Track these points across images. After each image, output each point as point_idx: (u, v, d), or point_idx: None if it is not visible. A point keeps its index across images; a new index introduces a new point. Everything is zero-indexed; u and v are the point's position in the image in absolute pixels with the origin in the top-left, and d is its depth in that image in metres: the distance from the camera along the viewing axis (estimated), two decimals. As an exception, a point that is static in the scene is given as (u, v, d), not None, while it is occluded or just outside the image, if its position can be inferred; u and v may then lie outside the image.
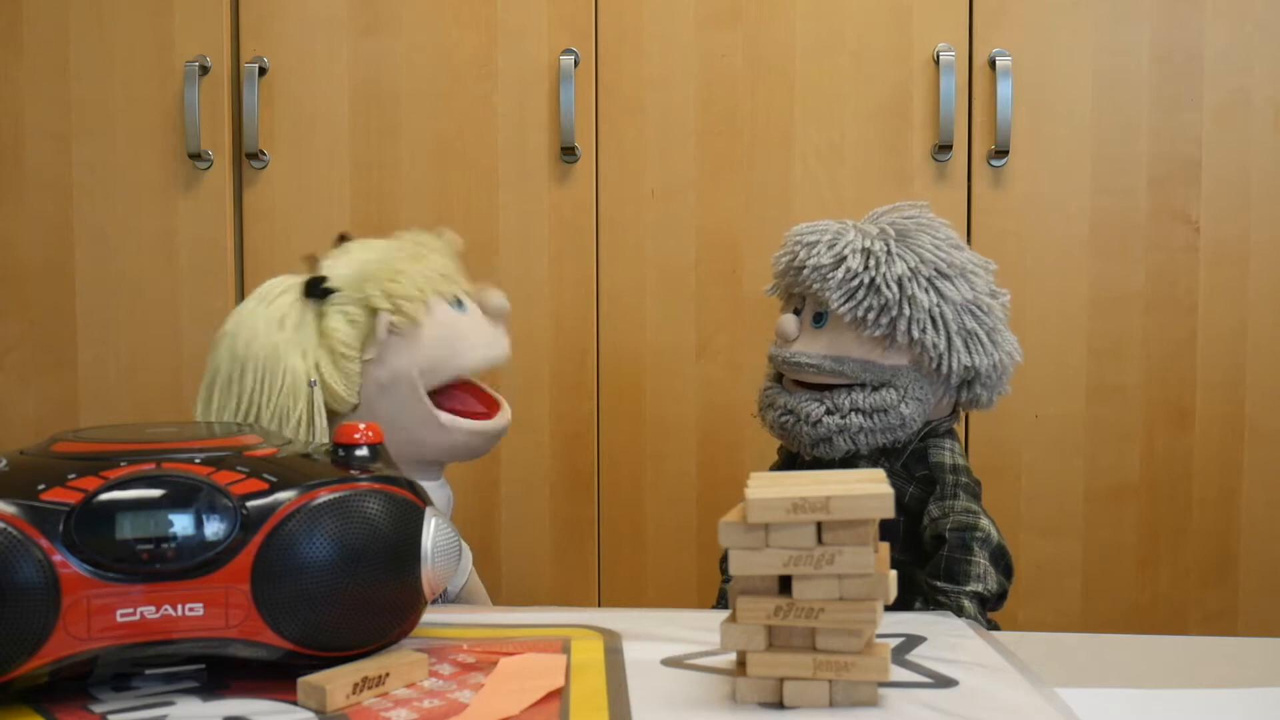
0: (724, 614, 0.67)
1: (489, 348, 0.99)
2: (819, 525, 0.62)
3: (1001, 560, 0.90)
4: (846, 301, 0.92)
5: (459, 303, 0.98)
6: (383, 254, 0.97)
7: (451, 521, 1.06)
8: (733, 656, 0.70)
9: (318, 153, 1.40)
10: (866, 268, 0.92)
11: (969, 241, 1.35)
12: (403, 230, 1.37)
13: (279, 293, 0.94)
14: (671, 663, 0.72)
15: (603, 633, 0.78)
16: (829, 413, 0.92)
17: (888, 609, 0.85)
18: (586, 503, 1.40)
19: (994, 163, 1.35)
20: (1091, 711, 0.64)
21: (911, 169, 1.36)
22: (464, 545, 1.08)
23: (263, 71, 1.39)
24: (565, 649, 0.74)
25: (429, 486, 0.97)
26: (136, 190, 1.41)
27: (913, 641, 0.77)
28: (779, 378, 1.00)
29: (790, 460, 1.04)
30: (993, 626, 0.90)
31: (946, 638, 0.78)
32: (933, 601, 0.89)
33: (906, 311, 0.91)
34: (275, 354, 0.91)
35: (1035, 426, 1.36)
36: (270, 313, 0.93)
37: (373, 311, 0.93)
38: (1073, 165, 1.35)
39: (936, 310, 0.91)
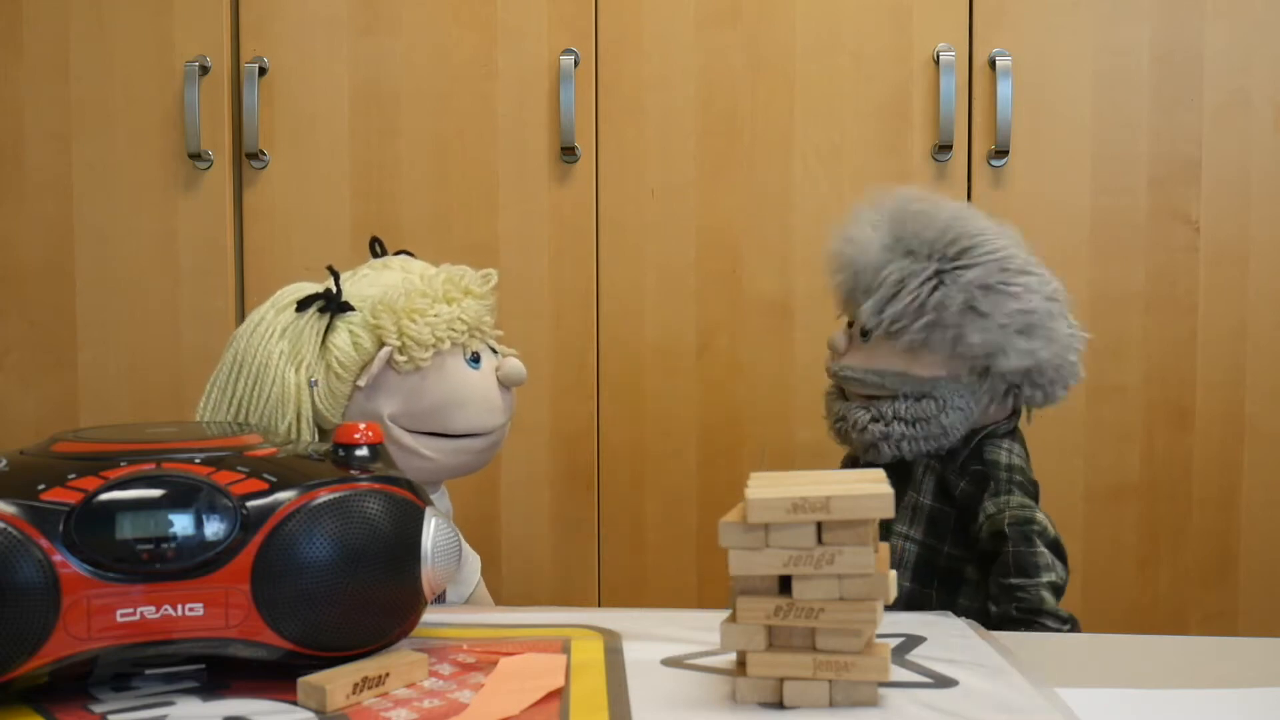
0: (724, 614, 0.67)
1: (484, 415, 0.96)
2: (819, 525, 0.62)
3: (1059, 553, 0.91)
4: (877, 315, 0.95)
5: (475, 358, 0.96)
6: (413, 285, 0.94)
7: (458, 529, 1.06)
8: (733, 656, 0.70)
9: (318, 153, 1.40)
10: (896, 284, 0.94)
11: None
12: (404, 224, 1.38)
13: (289, 301, 0.93)
14: (671, 663, 0.72)
15: (603, 633, 0.78)
16: (873, 420, 0.95)
17: (888, 609, 0.85)
18: (586, 503, 1.40)
19: (994, 163, 1.35)
20: (1091, 711, 0.64)
21: (911, 169, 1.36)
22: (472, 554, 1.07)
23: (263, 71, 1.39)
24: (565, 649, 0.74)
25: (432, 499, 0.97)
26: (136, 190, 1.41)
27: (913, 641, 0.77)
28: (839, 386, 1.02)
29: (853, 464, 1.05)
30: (1070, 619, 0.90)
31: (946, 638, 0.78)
32: (1007, 600, 0.89)
33: (930, 319, 0.92)
34: (269, 363, 0.90)
35: (1035, 426, 1.35)
36: (277, 320, 0.92)
37: (380, 341, 0.91)
38: (1073, 165, 1.35)
39: (969, 320, 0.92)
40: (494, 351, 0.99)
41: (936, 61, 1.34)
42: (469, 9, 1.38)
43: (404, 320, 0.91)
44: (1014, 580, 0.89)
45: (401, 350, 0.91)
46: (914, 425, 0.94)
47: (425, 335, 0.91)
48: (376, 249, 1.03)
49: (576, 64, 1.36)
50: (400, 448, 0.94)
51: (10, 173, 1.41)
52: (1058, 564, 0.90)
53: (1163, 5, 1.34)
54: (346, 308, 0.92)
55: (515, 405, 1.00)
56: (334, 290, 0.93)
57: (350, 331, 0.92)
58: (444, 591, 1.02)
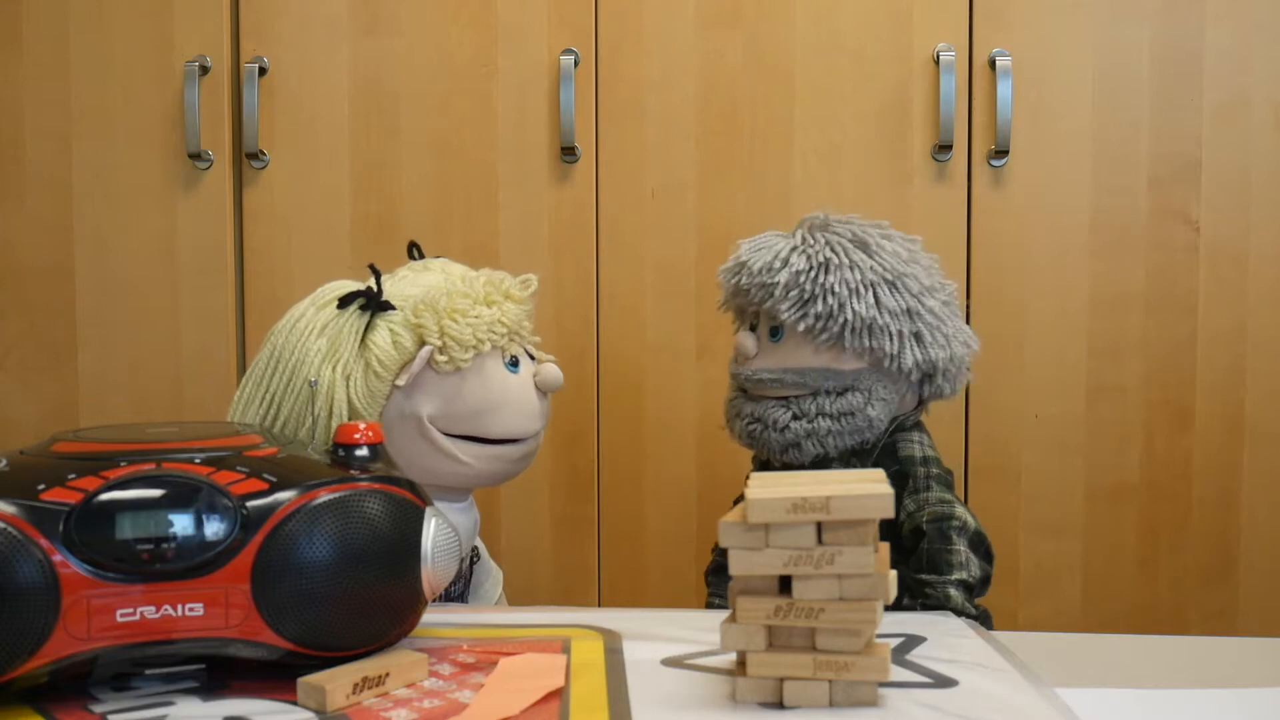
0: (724, 614, 0.67)
1: (522, 420, 0.95)
2: (819, 525, 0.62)
3: (980, 546, 0.91)
4: (795, 312, 0.94)
5: (514, 362, 0.95)
6: (454, 286, 0.93)
7: (483, 543, 1.05)
8: (733, 656, 0.70)
9: (318, 153, 1.40)
10: (809, 279, 0.94)
11: (968, 242, 1.35)
12: (404, 224, 1.38)
13: (329, 298, 0.92)
14: (671, 663, 0.72)
15: (603, 633, 0.78)
16: (795, 418, 0.94)
17: (887, 609, 0.85)
18: (586, 503, 1.40)
19: (994, 163, 1.35)
20: (1091, 711, 0.64)
21: (911, 169, 1.36)
22: (495, 568, 1.07)
23: (263, 71, 1.39)
24: (565, 649, 0.74)
25: (453, 509, 0.96)
26: (136, 190, 1.41)
27: (913, 641, 0.77)
28: (743, 389, 1.01)
29: (764, 470, 1.04)
30: (982, 614, 0.90)
31: (946, 638, 0.78)
32: (918, 595, 0.89)
33: (848, 317, 0.93)
34: (305, 360, 0.89)
35: (1035, 426, 1.36)
36: (317, 318, 0.91)
37: (420, 340, 0.91)
38: (1073, 165, 1.35)
39: (875, 316, 0.93)
40: (531, 357, 0.98)
41: (936, 61, 1.34)
42: (469, 9, 1.38)
43: (445, 320, 0.90)
44: (924, 576, 0.90)
45: (442, 350, 0.90)
46: (840, 420, 0.93)
47: (466, 336, 0.91)
48: (414, 253, 1.02)
49: (576, 64, 1.36)
50: (437, 451, 0.93)
51: (10, 173, 1.41)
52: (972, 561, 0.90)
53: (1163, 5, 1.34)
54: (387, 306, 0.91)
55: (550, 412, 1.00)
56: (375, 288, 0.92)
57: (390, 330, 0.91)
58: (466, 598, 1.01)
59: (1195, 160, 1.34)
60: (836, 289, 0.93)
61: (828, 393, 0.94)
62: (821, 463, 0.96)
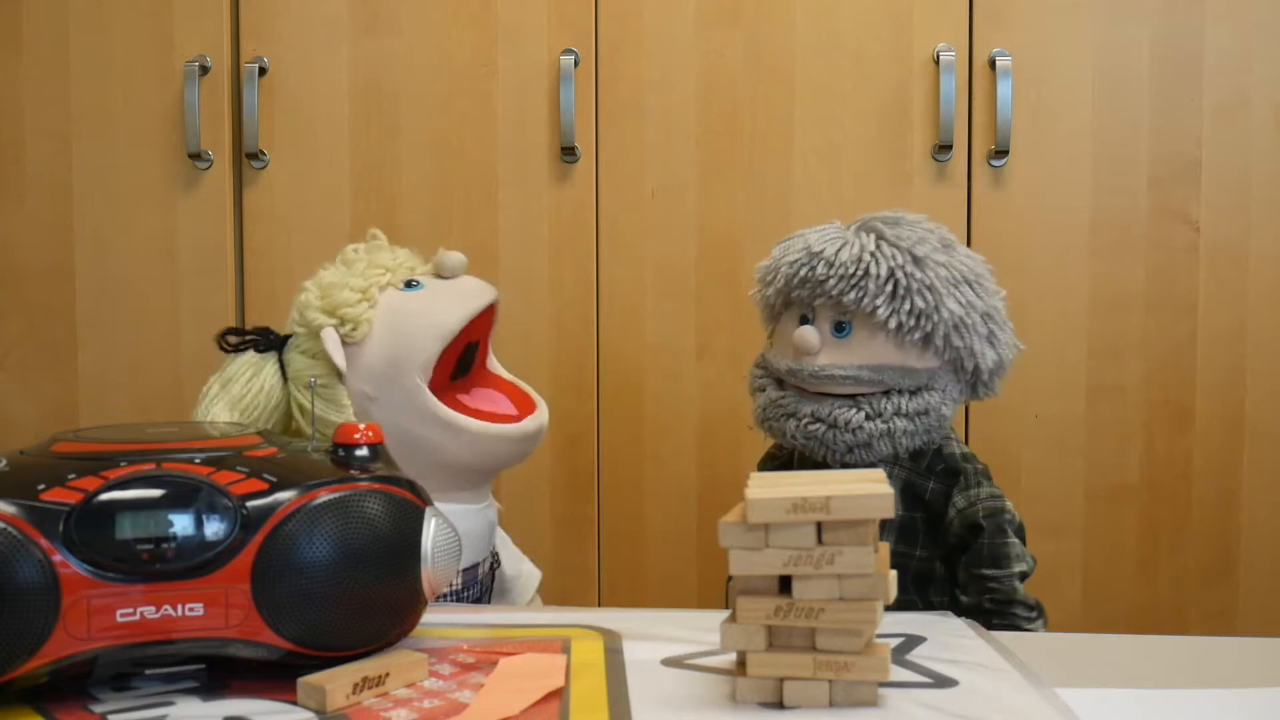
0: (724, 614, 0.67)
1: (461, 304, 0.93)
2: (819, 525, 0.62)
3: (1023, 537, 0.92)
4: (887, 307, 0.90)
5: (412, 284, 0.94)
6: (319, 278, 0.95)
7: (508, 540, 1.04)
8: (733, 656, 0.70)
9: (318, 153, 1.40)
10: (904, 273, 0.90)
11: (969, 242, 1.35)
12: (404, 224, 1.38)
13: (231, 374, 0.95)
14: (671, 663, 0.72)
15: (603, 633, 0.78)
16: (869, 418, 0.91)
17: (890, 608, 0.85)
18: (586, 502, 1.40)
19: (994, 163, 1.35)
20: (1091, 711, 0.64)
21: (911, 169, 1.36)
22: (534, 570, 1.06)
23: (263, 71, 1.39)
24: (565, 649, 0.74)
25: (470, 511, 0.94)
26: (136, 191, 1.41)
27: (913, 641, 0.77)
28: (781, 383, 0.96)
29: (783, 468, 1.04)
30: (1037, 605, 0.91)
31: (946, 638, 0.78)
32: (981, 591, 0.89)
33: (944, 315, 0.90)
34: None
35: (1035, 426, 1.36)
36: (222, 395, 0.93)
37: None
38: (1073, 165, 1.35)
39: (963, 315, 0.91)
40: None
41: (936, 61, 1.34)
42: (469, 9, 1.38)
43: (321, 302, 0.92)
44: (987, 571, 0.90)
45: (341, 324, 0.91)
46: (915, 419, 0.91)
47: (346, 296, 0.91)
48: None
49: (576, 64, 1.36)
50: (432, 420, 0.90)
51: (10, 173, 1.41)
52: (1025, 552, 0.91)
53: (1163, 5, 1.34)
54: (280, 342, 0.94)
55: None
56: (268, 333, 0.95)
57: (299, 351, 0.93)
58: (489, 599, 1.01)
59: (1195, 160, 1.34)
60: (934, 285, 0.90)
61: (900, 391, 0.91)
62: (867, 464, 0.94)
